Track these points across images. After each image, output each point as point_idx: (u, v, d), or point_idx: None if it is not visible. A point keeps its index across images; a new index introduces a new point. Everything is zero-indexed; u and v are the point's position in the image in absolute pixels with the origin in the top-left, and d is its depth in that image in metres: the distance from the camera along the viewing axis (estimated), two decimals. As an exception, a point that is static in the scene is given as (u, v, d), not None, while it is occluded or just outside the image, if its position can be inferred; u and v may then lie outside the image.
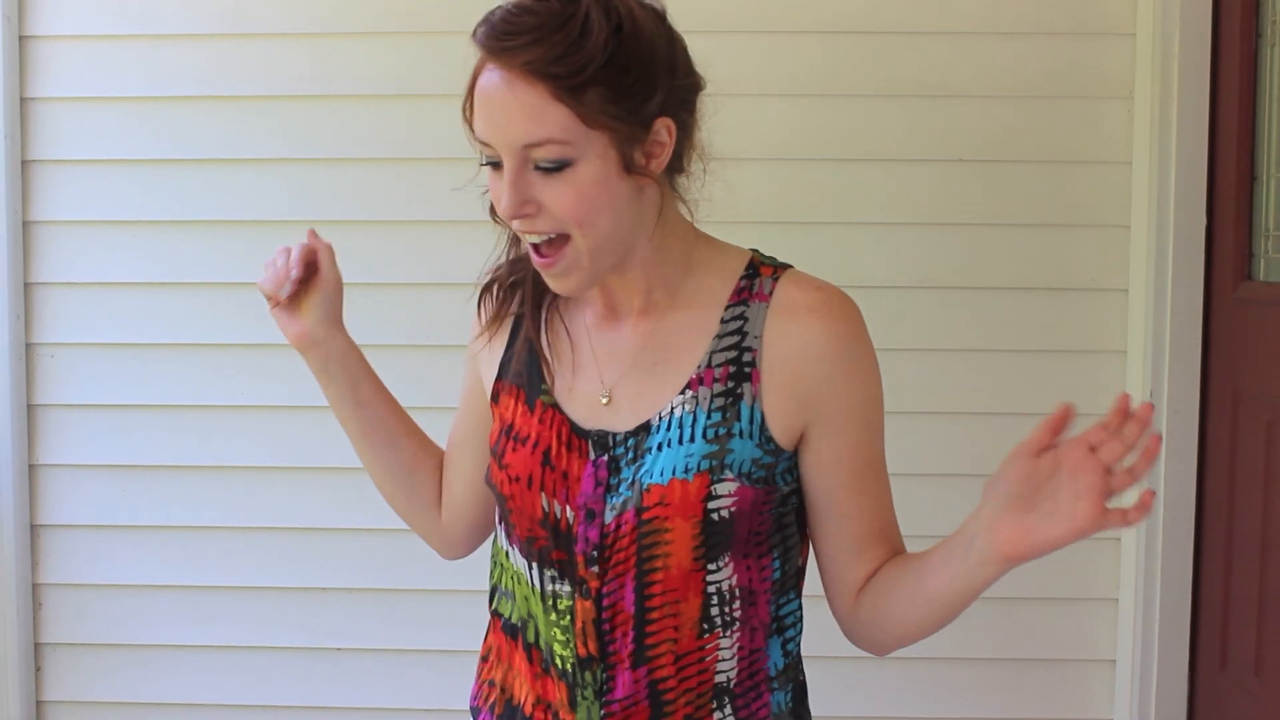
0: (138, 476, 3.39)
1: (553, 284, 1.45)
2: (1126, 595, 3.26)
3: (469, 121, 1.41)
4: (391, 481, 1.72)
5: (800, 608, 1.57)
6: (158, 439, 3.38)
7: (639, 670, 1.47)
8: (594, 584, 1.45)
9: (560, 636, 1.48)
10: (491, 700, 1.60)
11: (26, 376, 3.37)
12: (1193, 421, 3.18)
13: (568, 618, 1.47)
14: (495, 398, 1.59)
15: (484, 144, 1.40)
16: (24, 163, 3.33)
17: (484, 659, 1.65)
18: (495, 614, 1.61)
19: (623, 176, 1.40)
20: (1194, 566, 3.21)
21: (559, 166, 1.36)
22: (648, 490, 1.42)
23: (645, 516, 1.42)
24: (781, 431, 1.45)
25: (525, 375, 1.54)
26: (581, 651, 1.47)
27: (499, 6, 1.37)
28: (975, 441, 3.27)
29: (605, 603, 1.45)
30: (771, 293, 1.48)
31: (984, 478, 3.23)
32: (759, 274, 1.51)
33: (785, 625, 1.55)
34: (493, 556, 1.64)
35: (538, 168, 1.36)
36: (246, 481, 3.38)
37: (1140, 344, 3.19)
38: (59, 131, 3.34)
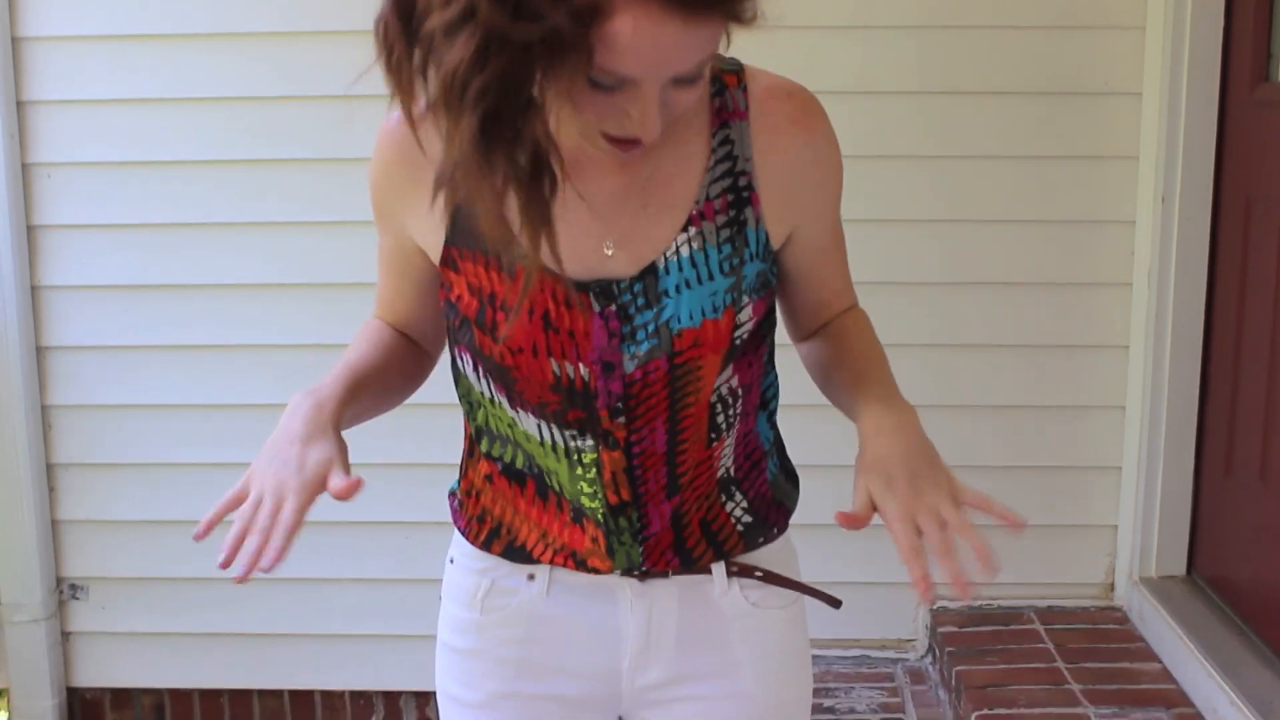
0: (140, 297, 3.38)
1: (630, 152, 1.29)
2: (1134, 402, 3.26)
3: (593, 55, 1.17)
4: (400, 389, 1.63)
5: (776, 378, 1.59)
6: (159, 258, 3.36)
7: (673, 499, 1.49)
8: (620, 434, 1.43)
9: (587, 489, 1.47)
10: (484, 537, 1.56)
11: (25, 197, 3.34)
12: (1204, 227, 3.14)
13: (593, 470, 1.45)
14: (451, 263, 1.42)
15: (619, 76, 1.21)
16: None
17: (469, 495, 1.58)
18: (487, 457, 1.55)
19: None
20: (1202, 372, 3.21)
21: (701, 73, 1.26)
22: (679, 335, 1.39)
23: (679, 361, 1.40)
24: (777, 238, 1.44)
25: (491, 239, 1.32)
26: (613, 499, 1.46)
27: None
28: (986, 250, 3.25)
29: (635, 450, 1.44)
30: (747, 106, 1.41)
31: (991, 284, 3.16)
32: (725, 85, 1.42)
33: (768, 400, 1.58)
34: (463, 397, 1.56)
35: (677, 81, 1.24)
36: (252, 300, 3.37)
37: (1153, 148, 3.13)
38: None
